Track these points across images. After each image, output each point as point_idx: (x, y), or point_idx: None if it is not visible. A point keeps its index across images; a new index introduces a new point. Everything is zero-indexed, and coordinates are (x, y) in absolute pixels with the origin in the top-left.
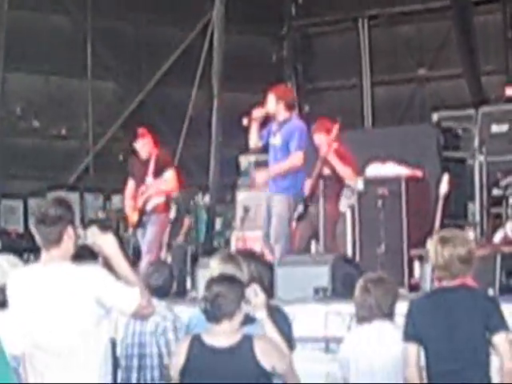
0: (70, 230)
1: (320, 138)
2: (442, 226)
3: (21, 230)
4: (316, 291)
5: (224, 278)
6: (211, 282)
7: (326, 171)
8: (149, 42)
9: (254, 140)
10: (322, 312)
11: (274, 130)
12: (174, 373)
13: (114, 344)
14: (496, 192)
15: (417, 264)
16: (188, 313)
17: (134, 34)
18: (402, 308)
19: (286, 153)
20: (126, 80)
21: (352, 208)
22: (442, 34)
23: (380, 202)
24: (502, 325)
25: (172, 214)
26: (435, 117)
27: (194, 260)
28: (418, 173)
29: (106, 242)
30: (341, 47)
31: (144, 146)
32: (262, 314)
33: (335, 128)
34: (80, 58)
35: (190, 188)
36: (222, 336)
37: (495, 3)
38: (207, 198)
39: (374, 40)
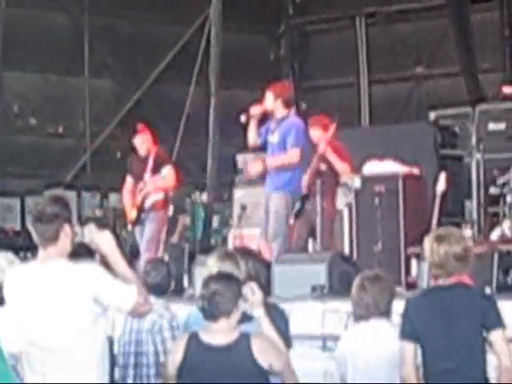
0: (66, 228)
1: (315, 133)
2: (439, 224)
3: (18, 227)
4: (313, 289)
5: (221, 276)
6: (208, 279)
7: (323, 167)
8: (146, 39)
9: (252, 137)
10: (319, 310)
11: (272, 128)
12: (172, 370)
13: (111, 342)
14: (493, 190)
15: (414, 262)
16: (185, 311)
17: (132, 32)
18: (399, 306)
19: (283, 150)
20: (124, 78)
21: (349, 206)
22: (439, 33)
23: (377, 200)
24: (498, 322)
25: (170, 212)
26: (432, 115)
27: (192, 258)
28: (416, 171)
29: (103, 240)
30: (338, 45)
31: (143, 142)
32: (259, 312)
33: (332, 127)
34: (77, 55)
35: (185, 187)
36: (220, 334)
37: (492, 1)
38: (204, 196)
39: (371, 38)
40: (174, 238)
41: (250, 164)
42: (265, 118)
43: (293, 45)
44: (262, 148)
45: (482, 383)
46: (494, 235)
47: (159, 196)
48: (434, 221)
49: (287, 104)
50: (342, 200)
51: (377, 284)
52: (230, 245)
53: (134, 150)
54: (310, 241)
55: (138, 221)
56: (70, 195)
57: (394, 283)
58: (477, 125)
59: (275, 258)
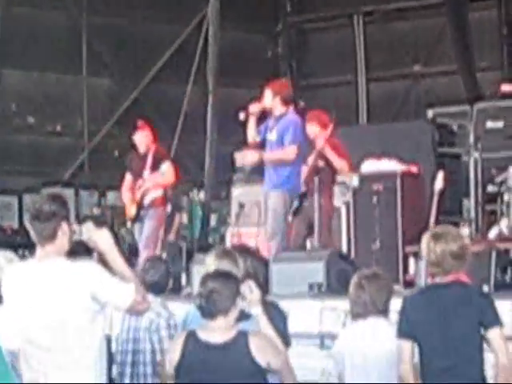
0: (64, 226)
1: (312, 129)
2: (437, 222)
3: (16, 225)
4: (311, 287)
5: (219, 274)
6: (206, 278)
7: (321, 163)
8: (144, 38)
9: (251, 135)
10: (317, 308)
11: (271, 126)
12: (170, 369)
13: (108, 340)
14: (491, 188)
15: (412, 260)
16: (183, 309)
17: (130, 31)
18: (396, 304)
19: (281, 147)
20: (121, 76)
21: (347, 204)
22: (437, 31)
23: (375, 198)
24: (496, 320)
25: (168, 209)
26: (430, 113)
27: (189, 256)
28: (413, 169)
29: (101, 238)
30: (336, 43)
31: (143, 138)
32: (257, 310)
33: (330, 125)
34: (75, 54)
35: (183, 185)
36: (217, 332)
37: (490, 0)
38: (202, 195)
39: (369, 36)
40: (171, 236)
41: (246, 153)
42: (264, 115)
43: (291, 43)
44: (262, 146)
45: (480, 382)
46: (492, 233)
47: (158, 193)
48: (432, 219)
49: (286, 101)
50: (340, 198)
51: (374, 282)
52: (228, 243)
53: (133, 147)
54: (309, 239)
55: (138, 217)
56: (68, 193)
57: (391, 281)
58: (475, 123)
59: (273, 256)
